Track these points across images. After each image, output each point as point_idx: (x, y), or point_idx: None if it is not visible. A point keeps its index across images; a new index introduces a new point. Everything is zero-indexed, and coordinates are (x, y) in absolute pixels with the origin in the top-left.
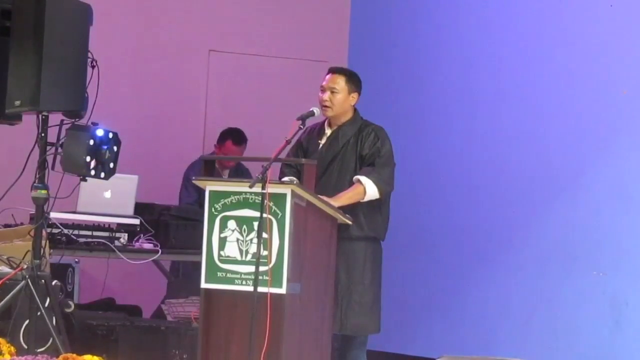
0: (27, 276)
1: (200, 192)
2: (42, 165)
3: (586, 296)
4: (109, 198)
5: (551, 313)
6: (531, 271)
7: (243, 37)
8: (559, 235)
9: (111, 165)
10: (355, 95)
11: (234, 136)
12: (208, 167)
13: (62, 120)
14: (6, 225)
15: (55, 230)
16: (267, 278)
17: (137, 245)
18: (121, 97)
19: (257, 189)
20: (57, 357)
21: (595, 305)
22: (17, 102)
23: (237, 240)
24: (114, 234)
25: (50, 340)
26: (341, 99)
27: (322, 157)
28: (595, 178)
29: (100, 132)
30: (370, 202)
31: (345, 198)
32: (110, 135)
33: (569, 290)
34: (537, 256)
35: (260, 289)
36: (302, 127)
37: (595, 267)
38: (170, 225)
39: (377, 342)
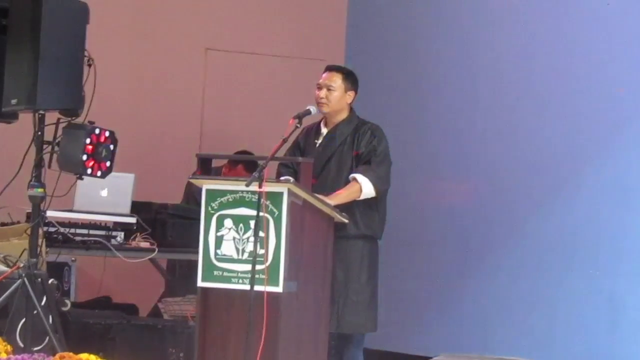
0: (23, 275)
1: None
2: (38, 163)
3: (583, 295)
4: (105, 196)
5: (549, 311)
6: (529, 270)
7: (240, 36)
8: (557, 234)
9: (108, 163)
10: (351, 93)
11: (248, 164)
12: (204, 166)
13: (58, 119)
14: (3, 224)
15: (51, 229)
16: (263, 277)
17: (133, 243)
18: (118, 96)
19: (254, 187)
20: (54, 355)
21: (592, 304)
22: (14, 101)
23: (234, 238)
24: (110, 233)
25: (47, 339)
26: (337, 97)
27: (319, 156)
28: (593, 177)
29: (96, 131)
30: (367, 200)
31: (341, 196)
32: (107, 133)
33: (566, 289)
34: (535, 255)
35: (257, 288)
36: (298, 125)
37: (592, 266)
38: (167, 224)
39: (374, 340)
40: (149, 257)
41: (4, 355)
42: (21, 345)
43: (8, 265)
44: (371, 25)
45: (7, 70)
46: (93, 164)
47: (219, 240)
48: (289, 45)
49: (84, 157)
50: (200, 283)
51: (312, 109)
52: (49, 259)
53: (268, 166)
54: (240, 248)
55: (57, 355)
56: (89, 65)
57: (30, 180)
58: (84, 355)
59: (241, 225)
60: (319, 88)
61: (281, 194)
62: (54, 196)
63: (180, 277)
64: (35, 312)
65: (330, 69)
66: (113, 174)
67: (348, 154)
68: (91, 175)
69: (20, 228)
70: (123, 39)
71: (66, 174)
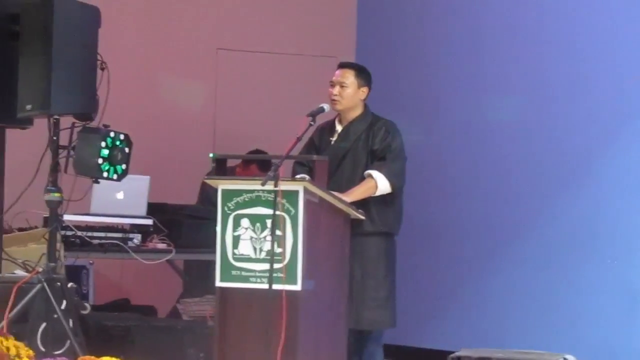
0: (42, 279)
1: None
2: (54, 168)
3: (600, 284)
4: (121, 199)
5: (566, 302)
6: (546, 261)
7: (251, 35)
8: (573, 224)
9: (123, 166)
10: (365, 89)
11: (261, 163)
12: (219, 166)
13: (73, 123)
14: (20, 229)
15: (69, 233)
16: (281, 275)
17: (150, 245)
18: (131, 98)
19: (269, 186)
20: (75, 359)
21: (609, 293)
22: (28, 106)
23: (251, 238)
24: (127, 235)
25: (68, 343)
26: (350, 93)
27: (334, 153)
28: (607, 164)
29: (111, 134)
30: (382, 196)
31: (357, 193)
32: (122, 136)
33: (583, 279)
34: (552, 246)
35: (275, 287)
36: (312, 123)
37: (609, 255)
38: (184, 225)
39: (393, 336)
40: (166, 258)
41: None
42: (42, 349)
43: (27, 270)
44: (381, 22)
45: (20, 76)
46: (109, 167)
47: (236, 240)
48: (300, 43)
49: (100, 161)
50: (218, 283)
51: (326, 106)
52: (67, 263)
53: (282, 165)
54: (257, 247)
55: (79, 359)
56: (102, 69)
57: (47, 185)
58: (105, 359)
59: (258, 224)
60: (332, 85)
61: (297, 192)
62: (71, 200)
63: (197, 278)
64: (55, 316)
65: (342, 65)
66: (128, 176)
67: (363, 150)
68: (107, 178)
69: (38, 233)
70: (135, 41)
71: (82, 177)
